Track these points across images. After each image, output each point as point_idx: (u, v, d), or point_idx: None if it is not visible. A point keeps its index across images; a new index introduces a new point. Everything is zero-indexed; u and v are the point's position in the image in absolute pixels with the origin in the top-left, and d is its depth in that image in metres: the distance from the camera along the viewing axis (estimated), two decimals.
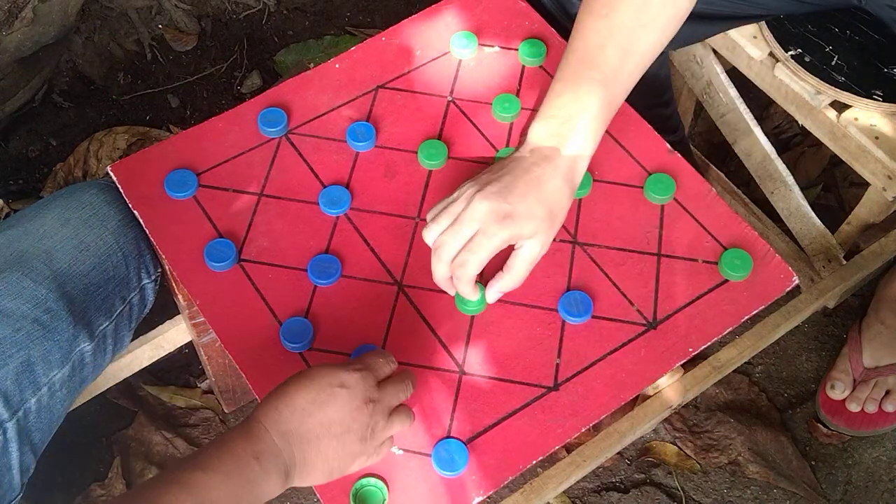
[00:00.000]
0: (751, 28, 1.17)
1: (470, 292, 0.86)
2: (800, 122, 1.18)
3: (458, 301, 0.89)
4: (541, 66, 1.06)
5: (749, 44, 1.17)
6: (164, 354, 1.10)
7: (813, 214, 1.28)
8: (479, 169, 0.98)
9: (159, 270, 1.01)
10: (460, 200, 0.85)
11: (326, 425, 0.72)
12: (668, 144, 1.00)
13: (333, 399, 0.73)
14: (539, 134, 0.88)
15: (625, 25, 0.88)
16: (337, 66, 1.07)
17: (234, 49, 1.70)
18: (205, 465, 0.67)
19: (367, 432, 0.74)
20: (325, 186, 0.97)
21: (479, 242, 0.83)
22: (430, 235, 0.86)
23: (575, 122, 0.87)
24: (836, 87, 1.10)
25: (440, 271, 0.86)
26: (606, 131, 1.01)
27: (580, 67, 0.88)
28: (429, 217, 0.88)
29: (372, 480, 0.80)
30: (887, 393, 1.28)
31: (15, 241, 0.90)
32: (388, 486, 0.80)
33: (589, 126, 0.87)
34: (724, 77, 1.28)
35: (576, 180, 0.88)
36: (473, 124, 1.02)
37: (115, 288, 0.95)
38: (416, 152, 0.99)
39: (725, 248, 0.93)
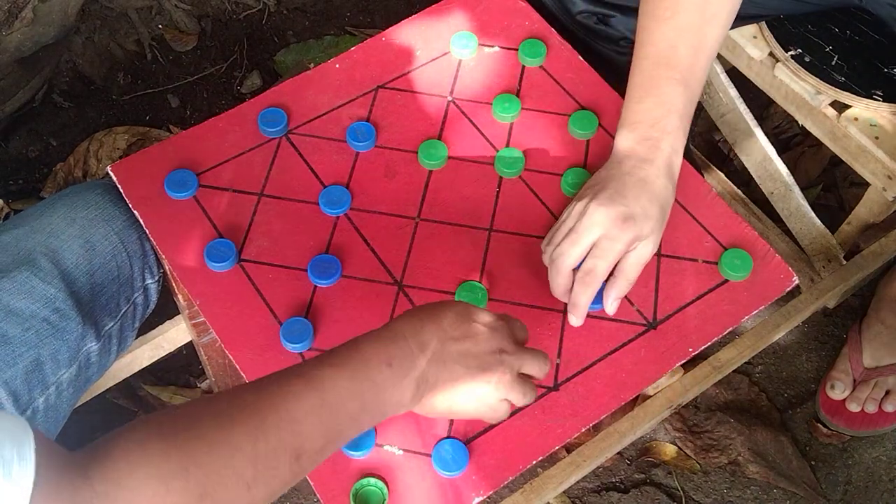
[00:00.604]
0: (751, 28, 1.17)
1: (588, 301, 0.85)
2: (800, 122, 1.18)
3: (458, 300, 0.89)
4: (541, 66, 1.06)
5: (749, 44, 1.17)
6: (164, 354, 1.10)
7: (813, 214, 1.28)
8: (479, 169, 0.98)
9: (161, 271, 1.01)
10: (572, 216, 0.86)
11: (463, 354, 0.70)
12: None
13: (475, 334, 0.71)
14: (628, 141, 0.89)
15: (691, 25, 0.89)
16: (337, 66, 1.07)
17: (234, 49, 1.70)
18: (333, 362, 0.65)
19: (494, 379, 0.72)
20: (325, 186, 0.97)
21: (605, 247, 0.83)
22: (546, 255, 0.86)
23: (663, 123, 0.88)
24: (836, 87, 1.10)
25: (559, 283, 0.85)
26: (606, 131, 1.01)
27: (656, 71, 0.89)
28: (543, 244, 0.88)
29: (372, 480, 0.80)
30: (887, 393, 1.28)
31: (22, 240, 0.90)
32: (388, 486, 0.80)
33: (678, 125, 0.88)
34: (724, 77, 1.28)
35: (675, 178, 0.89)
36: (473, 124, 1.02)
37: (120, 288, 0.95)
38: (416, 152, 0.99)
39: (725, 248, 0.93)
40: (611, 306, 0.87)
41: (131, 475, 0.52)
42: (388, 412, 0.67)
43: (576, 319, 0.87)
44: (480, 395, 0.72)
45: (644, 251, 0.85)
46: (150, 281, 0.99)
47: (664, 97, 0.88)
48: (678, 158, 0.89)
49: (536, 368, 0.76)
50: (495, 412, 0.75)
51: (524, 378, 0.75)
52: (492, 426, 0.83)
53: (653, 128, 0.88)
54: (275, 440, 0.58)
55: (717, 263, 0.92)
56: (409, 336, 0.69)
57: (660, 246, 0.93)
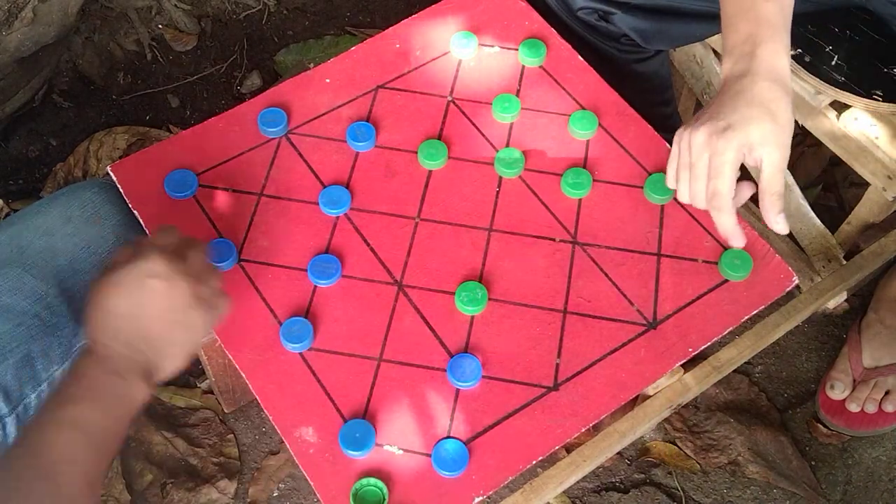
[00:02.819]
0: None
1: (732, 221, 0.85)
2: (800, 122, 1.18)
3: (458, 300, 0.89)
4: (541, 66, 1.06)
5: None
6: None
7: (813, 214, 1.28)
8: (479, 169, 0.98)
9: None
10: (683, 148, 0.86)
11: (161, 317, 0.73)
12: (668, 144, 1.00)
13: (152, 293, 0.73)
14: (728, 66, 0.87)
15: None
16: (337, 66, 1.07)
17: (234, 49, 1.70)
18: (74, 398, 0.69)
19: (197, 301, 0.75)
20: (325, 186, 0.97)
21: (716, 166, 0.83)
22: (683, 195, 0.88)
23: (756, 36, 0.86)
24: (836, 87, 1.10)
25: (714, 216, 0.86)
26: (606, 131, 1.01)
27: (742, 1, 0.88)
28: (669, 182, 0.90)
29: (372, 480, 0.80)
30: (887, 393, 1.28)
31: (16, 238, 0.90)
32: (388, 486, 0.80)
33: (772, 33, 0.86)
34: None
35: (784, 80, 0.85)
36: (473, 124, 1.02)
37: None
38: (416, 152, 0.99)
39: (725, 248, 0.93)
40: (778, 225, 0.86)
41: None
42: (136, 408, 0.72)
43: (736, 241, 0.88)
44: (199, 323, 0.75)
45: (771, 157, 0.83)
46: None
47: (753, 15, 0.87)
48: (780, 61, 0.85)
49: (201, 254, 0.79)
50: (221, 308, 0.78)
51: (206, 267, 0.79)
52: (492, 426, 0.83)
53: (745, 43, 0.86)
54: (68, 484, 0.65)
55: (717, 263, 0.92)
56: (109, 342, 0.72)
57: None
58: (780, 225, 0.86)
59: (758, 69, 0.85)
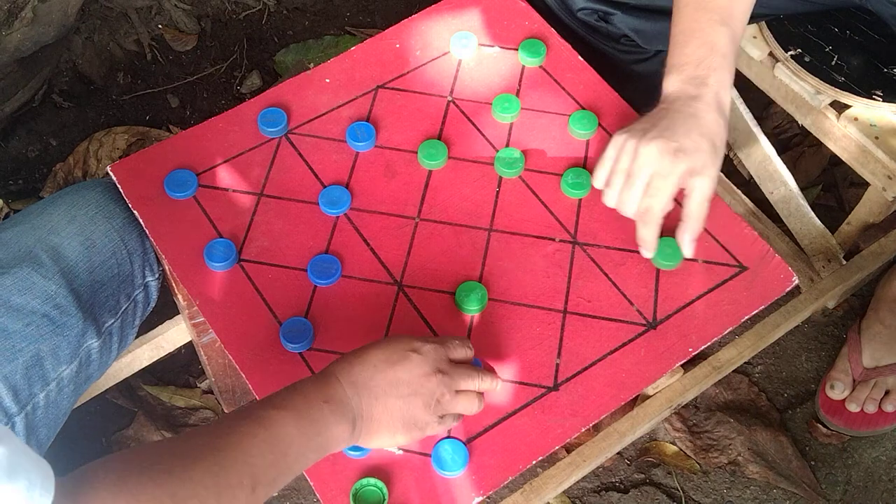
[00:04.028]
0: (751, 28, 1.17)
1: (654, 235, 0.88)
2: (800, 122, 1.18)
3: (458, 299, 0.89)
4: (541, 66, 1.06)
5: (749, 44, 1.17)
6: (164, 354, 1.10)
7: (813, 214, 1.28)
8: (479, 169, 0.98)
9: (161, 269, 1.01)
10: (625, 154, 0.87)
11: (394, 384, 0.75)
12: None
13: (405, 361, 0.75)
14: (676, 84, 0.90)
15: None
16: (337, 66, 1.07)
17: (234, 49, 1.70)
18: (277, 403, 0.70)
19: (431, 400, 0.76)
20: (325, 186, 0.97)
21: (657, 186, 0.85)
22: (610, 199, 0.89)
23: (708, 61, 0.89)
24: (836, 87, 1.10)
25: (639, 227, 0.88)
26: (606, 131, 1.01)
27: (696, 14, 0.91)
28: (598, 182, 0.90)
29: (372, 480, 0.80)
30: (887, 393, 1.28)
31: (23, 237, 0.90)
32: (388, 486, 0.80)
33: (723, 62, 0.89)
34: None
35: (726, 113, 0.89)
36: (473, 124, 1.02)
37: (121, 285, 0.95)
38: (416, 152, 0.99)
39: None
40: (687, 249, 0.89)
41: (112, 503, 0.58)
42: (330, 447, 0.73)
43: (647, 252, 0.90)
44: (419, 418, 0.76)
45: (703, 187, 0.86)
46: (150, 278, 0.99)
47: (707, 38, 0.90)
48: (726, 95, 0.89)
49: (472, 382, 0.80)
50: (442, 426, 0.79)
51: (467, 394, 0.80)
52: (492, 426, 0.83)
53: (698, 67, 0.89)
54: (233, 475, 0.64)
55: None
56: (341, 377, 0.74)
57: None
58: (688, 249, 0.89)
59: (710, 99, 0.88)
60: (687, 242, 0.89)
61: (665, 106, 0.89)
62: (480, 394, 0.81)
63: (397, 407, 0.75)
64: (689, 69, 0.90)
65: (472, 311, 0.89)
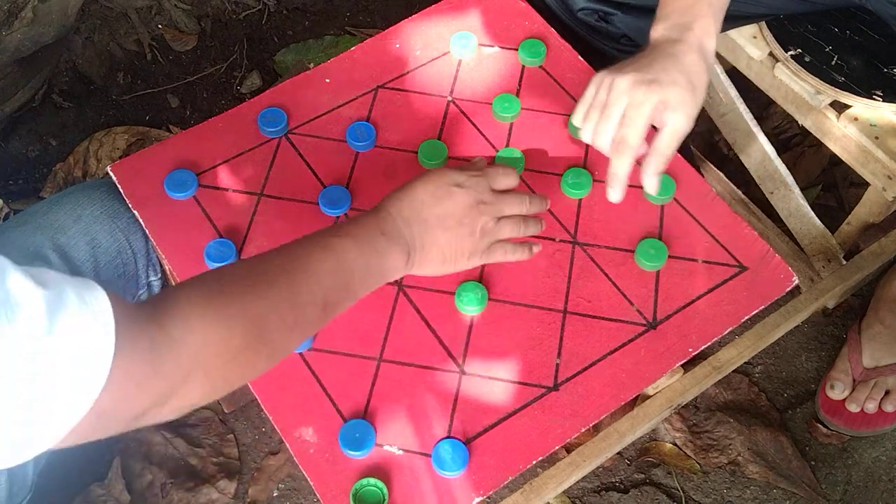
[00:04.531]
0: (751, 28, 1.17)
1: (627, 169, 0.87)
2: (800, 122, 1.18)
3: (457, 300, 0.89)
4: (541, 66, 1.06)
5: (749, 44, 1.17)
6: None
7: (813, 214, 1.28)
8: None
9: (163, 268, 1.01)
10: (602, 89, 0.88)
11: (441, 217, 0.81)
12: None
13: (450, 196, 0.82)
14: (661, 30, 0.91)
15: None
16: (337, 66, 1.07)
17: (234, 49, 1.70)
18: (342, 232, 0.76)
19: (476, 229, 0.83)
20: (325, 186, 0.97)
21: (631, 115, 0.86)
22: (586, 134, 0.89)
23: (695, 9, 0.89)
24: (836, 87, 1.10)
25: (605, 149, 0.88)
26: None
27: None
28: (576, 118, 0.90)
29: (372, 480, 0.80)
30: (887, 393, 1.28)
31: (30, 237, 0.90)
32: (388, 486, 0.80)
33: (709, 10, 0.90)
34: (724, 77, 1.28)
35: (709, 59, 0.90)
36: (473, 124, 1.02)
37: (126, 285, 0.95)
38: (416, 152, 0.99)
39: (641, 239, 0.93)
40: (649, 183, 0.88)
41: (202, 319, 0.61)
42: (387, 275, 0.79)
43: (614, 193, 0.89)
44: (465, 246, 0.83)
45: (676, 123, 0.86)
46: (153, 278, 0.99)
47: None
48: (711, 42, 0.90)
49: (517, 207, 0.87)
50: (489, 256, 0.86)
51: (512, 219, 0.86)
52: (492, 426, 0.83)
53: (684, 14, 0.90)
54: (306, 293, 0.70)
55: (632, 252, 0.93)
56: (393, 211, 0.80)
57: None
58: (652, 185, 0.89)
59: (692, 41, 0.88)
60: (649, 176, 0.88)
61: (648, 49, 0.90)
62: (530, 218, 0.88)
63: (445, 238, 0.82)
64: (674, 17, 0.90)
65: (472, 311, 0.89)
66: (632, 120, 0.85)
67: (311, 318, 0.72)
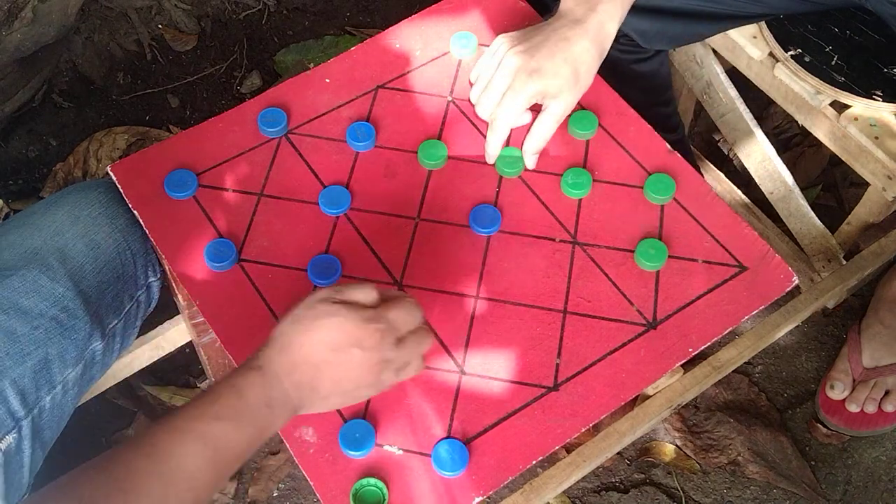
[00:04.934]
0: (751, 28, 1.17)
1: (500, 142, 0.95)
2: (800, 122, 1.18)
3: (498, 164, 0.97)
4: None
5: (749, 44, 1.17)
6: (164, 354, 1.10)
7: (813, 214, 1.28)
8: (479, 169, 0.98)
9: (163, 269, 1.01)
10: (493, 59, 0.95)
11: (338, 382, 0.72)
12: (667, 144, 1.00)
13: (349, 360, 0.72)
14: (570, 2, 0.93)
15: None
16: (337, 66, 1.07)
17: (234, 49, 1.70)
18: (219, 414, 0.67)
19: (373, 387, 0.75)
20: (325, 186, 0.97)
21: (507, 100, 0.93)
22: (473, 94, 0.97)
23: None
24: (836, 87, 1.10)
25: (485, 118, 0.96)
26: (606, 131, 1.01)
27: None
28: (472, 75, 0.99)
29: (372, 480, 0.80)
30: (887, 393, 1.28)
31: (28, 238, 0.90)
32: (388, 486, 0.80)
33: None
34: (724, 77, 1.28)
35: (604, 45, 0.93)
36: (473, 124, 1.02)
37: (124, 286, 0.95)
38: (416, 152, 0.99)
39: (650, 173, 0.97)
40: (528, 160, 0.96)
41: None
42: (266, 439, 0.71)
43: (489, 158, 0.97)
44: (361, 396, 0.77)
45: (555, 108, 0.93)
46: (152, 278, 0.99)
47: None
48: (612, 27, 0.93)
49: (421, 350, 0.77)
50: (380, 386, 0.76)
51: (416, 361, 0.77)
52: (492, 426, 0.83)
53: None
54: (176, 500, 0.63)
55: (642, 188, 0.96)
56: (284, 377, 0.70)
57: None
58: (531, 162, 0.96)
59: (590, 27, 0.92)
60: (527, 154, 0.95)
61: (552, 21, 0.94)
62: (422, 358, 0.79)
63: (340, 401, 0.75)
64: None
65: (512, 173, 0.97)
66: (507, 104, 0.92)
67: None
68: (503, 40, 0.95)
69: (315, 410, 0.74)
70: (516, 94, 0.92)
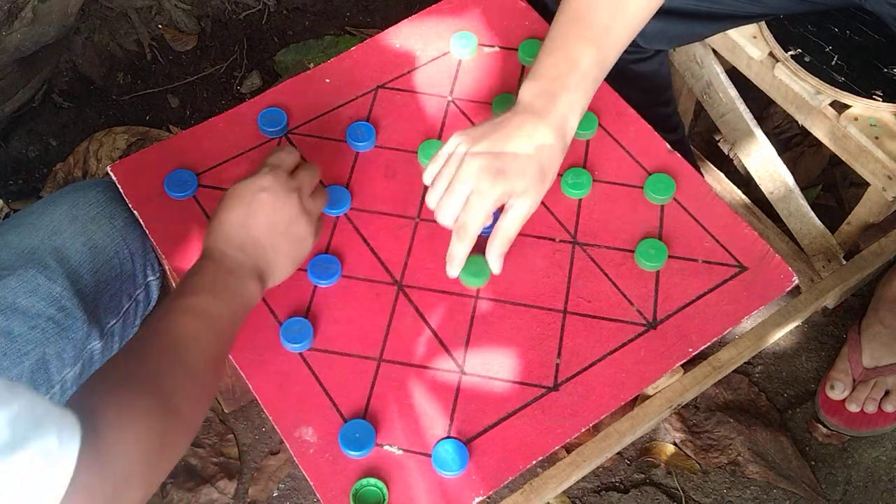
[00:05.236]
0: (751, 28, 1.17)
1: (463, 253, 0.87)
2: (800, 122, 1.18)
3: (462, 276, 0.90)
4: None
5: (749, 44, 1.17)
6: None
7: (813, 214, 1.28)
8: None
9: (162, 268, 1.01)
10: (453, 160, 0.86)
11: (269, 227, 0.81)
12: (667, 144, 1.00)
13: (261, 205, 0.81)
14: (529, 93, 0.88)
15: None
16: (337, 66, 1.07)
17: (234, 49, 1.70)
18: (195, 289, 0.77)
19: (303, 215, 0.83)
20: (325, 186, 0.97)
21: (474, 203, 0.85)
22: (431, 199, 0.88)
23: (566, 79, 0.87)
24: (836, 87, 1.10)
25: (448, 226, 0.88)
26: (606, 131, 1.01)
27: (571, 27, 0.89)
28: (426, 177, 0.89)
29: (372, 480, 0.80)
30: (887, 393, 1.28)
31: (26, 238, 0.90)
32: (388, 486, 0.80)
33: (580, 83, 0.87)
34: (724, 77, 1.28)
35: (567, 138, 0.88)
36: (473, 124, 1.02)
37: (123, 285, 0.95)
38: (416, 152, 0.99)
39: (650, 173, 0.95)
40: (493, 264, 0.89)
41: (126, 419, 0.63)
42: (250, 304, 0.80)
43: (451, 270, 0.89)
44: (305, 233, 0.84)
45: (519, 209, 0.86)
46: (151, 278, 0.99)
47: (572, 53, 0.88)
48: (574, 118, 0.88)
49: (314, 176, 0.88)
50: (320, 229, 0.89)
51: (316, 189, 0.88)
52: (492, 426, 0.83)
53: (555, 82, 0.87)
54: (194, 360, 0.73)
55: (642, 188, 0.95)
56: (224, 247, 0.80)
57: None
58: (494, 265, 0.88)
59: (553, 121, 0.86)
60: (492, 258, 0.88)
61: (511, 115, 0.87)
62: (314, 171, 0.89)
63: (284, 242, 0.82)
64: (545, 82, 0.87)
65: (477, 283, 0.90)
66: (474, 208, 0.84)
67: (208, 380, 0.75)
68: (461, 139, 0.86)
69: (276, 271, 0.83)
70: (483, 198, 0.84)
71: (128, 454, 0.62)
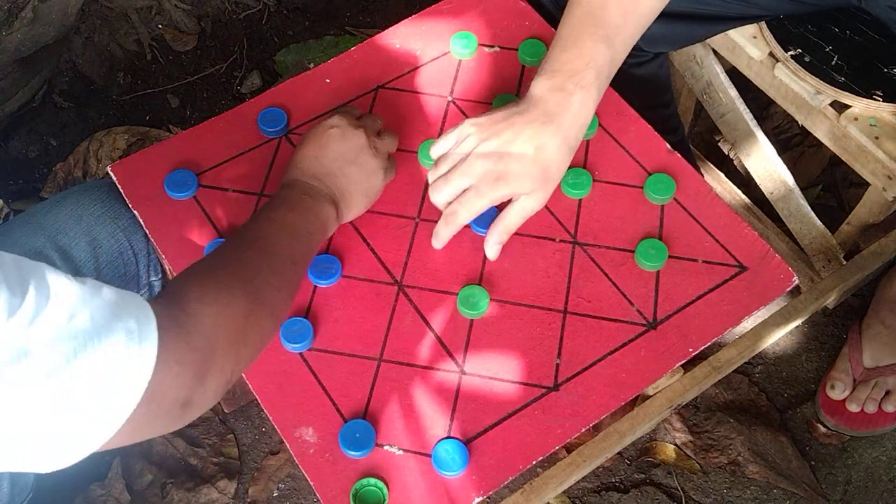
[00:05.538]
0: (751, 28, 1.17)
1: (447, 235, 0.91)
2: (800, 122, 1.18)
3: (459, 304, 0.89)
4: None
5: (749, 44, 1.17)
6: None
7: (813, 214, 1.28)
8: None
9: (163, 268, 1.01)
10: (461, 148, 0.88)
11: (340, 157, 0.87)
12: (667, 144, 1.00)
13: (330, 138, 0.88)
14: (543, 89, 0.87)
15: None
16: (337, 66, 1.07)
17: (234, 49, 1.70)
18: (276, 205, 0.84)
19: (371, 148, 0.89)
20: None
21: (470, 199, 0.86)
22: (431, 175, 0.90)
23: (581, 75, 0.86)
24: (836, 87, 1.10)
25: (439, 207, 0.90)
26: (606, 131, 1.01)
27: (583, 25, 0.88)
28: (433, 152, 0.91)
29: (372, 480, 0.80)
30: (887, 393, 1.28)
31: (31, 238, 0.90)
32: (388, 486, 0.80)
33: (594, 81, 0.87)
34: (724, 77, 1.28)
35: (576, 140, 0.88)
36: None
37: (127, 286, 0.95)
38: (416, 152, 0.99)
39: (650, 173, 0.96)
40: (490, 251, 0.91)
41: (209, 293, 0.69)
42: (327, 226, 0.86)
43: (435, 243, 0.92)
44: (374, 166, 0.89)
45: (526, 205, 0.87)
46: (154, 278, 0.99)
47: (586, 51, 0.87)
48: (587, 119, 0.88)
49: (379, 123, 0.95)
50: (393, 169, 0.95)
51: (387, 132, 0.95)
52: (492, 426, 0.83)
53: (569, 79, 0.86)
54: (278, 256, 0.78)
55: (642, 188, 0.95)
56: (300, 177, 0.87)
57: None
58: (492, 252, 0.91)
59: (562, 123, 0.86)
60: (491, 245, 0.90)
61: (523, 108, 0.87)
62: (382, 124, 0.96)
63: (354, 171, 0.88)
64: (559, 78, 0.87)
65: (474, 315, 0.89)
66: (468, 202, 0.86)
67: (289, 276, 0.79)
68: (471, 130, 0.87)
69: (349, 200, 0.88)
70: (480, 196, 0.86)
71: (213, 324, 0.66)
